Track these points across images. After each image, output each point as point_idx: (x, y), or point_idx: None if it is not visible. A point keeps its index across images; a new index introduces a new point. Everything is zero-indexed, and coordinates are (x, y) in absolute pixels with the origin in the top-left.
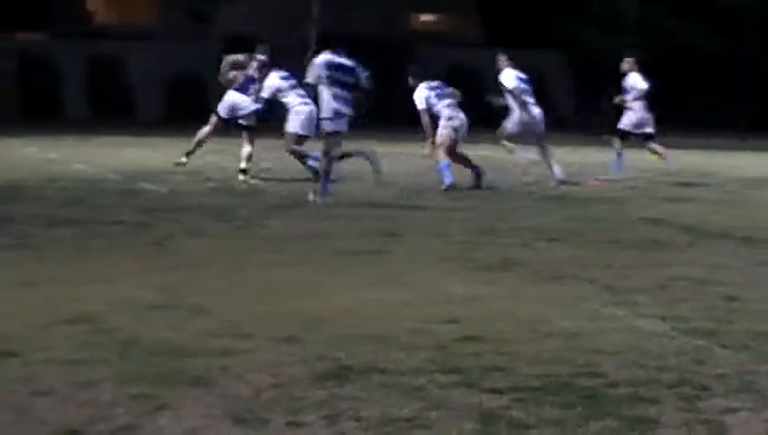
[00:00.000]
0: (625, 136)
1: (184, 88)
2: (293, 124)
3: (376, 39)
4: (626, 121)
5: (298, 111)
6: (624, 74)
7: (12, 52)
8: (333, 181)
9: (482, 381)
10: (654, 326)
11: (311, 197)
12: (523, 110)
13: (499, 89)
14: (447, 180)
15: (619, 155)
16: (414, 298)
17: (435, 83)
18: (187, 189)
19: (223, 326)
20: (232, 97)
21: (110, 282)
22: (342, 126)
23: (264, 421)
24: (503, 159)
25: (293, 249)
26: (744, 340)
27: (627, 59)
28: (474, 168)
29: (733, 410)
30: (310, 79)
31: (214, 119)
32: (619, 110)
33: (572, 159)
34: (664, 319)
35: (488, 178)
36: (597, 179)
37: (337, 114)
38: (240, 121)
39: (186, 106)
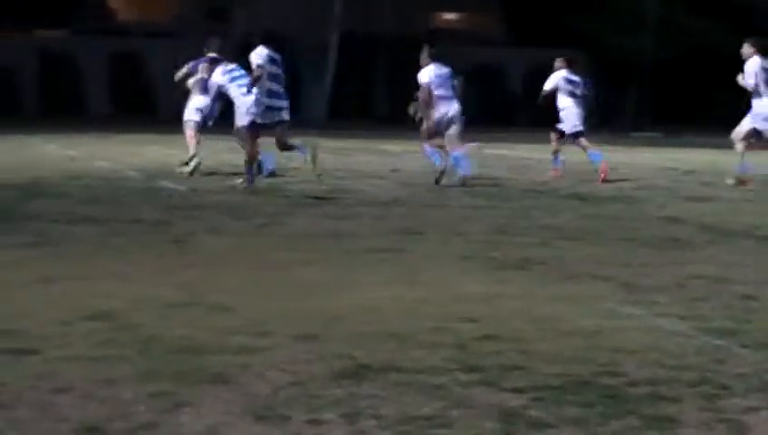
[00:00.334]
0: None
1: None
2: (241, 119)
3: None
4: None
5: (243, 102)
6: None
7: (32, 49)
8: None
9: (501, 380)
10: (673, 325)
11: (238, 181)
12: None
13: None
14: (462, 172)
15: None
16: (433, 296)
17: (439, 71)
18: (207, 187)
19: (242, 324)
20: (195, 102)
21: (131, 279)
22: (273, 118)
23: (284, 419)
24: (522, 157)
25: (314, 247)
26: (763, 339)
27: (557, 59)
28: (442, 157)
29: (753, 410)
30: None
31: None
32: (642, 109)
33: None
34: (683, 318)
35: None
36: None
37: (269, 108)
38: (209, 124)
39: None
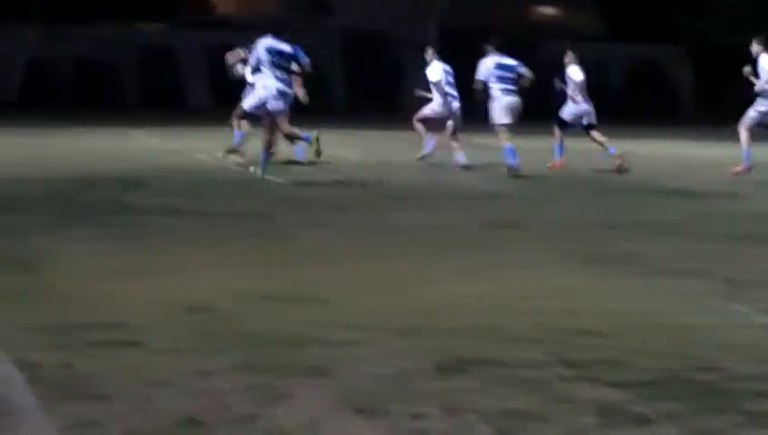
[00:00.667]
0: (563, 125)
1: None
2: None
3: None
4: (566, 111)
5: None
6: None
7: (132, 42)
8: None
9: (600, 375)
10: None
11: (252, 169)
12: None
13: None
14: (509, 162)
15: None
16: (530, 290)
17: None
18: (308, 181)
19: (339, 317)
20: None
21: (230, 272)
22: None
23: (385, 412)
24: (633, 153)
25: (411, 240)
26: None
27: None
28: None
29: None
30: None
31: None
32: (745, 104)
33: (700, 154)
34: None
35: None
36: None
37: (281, 94)
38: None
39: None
